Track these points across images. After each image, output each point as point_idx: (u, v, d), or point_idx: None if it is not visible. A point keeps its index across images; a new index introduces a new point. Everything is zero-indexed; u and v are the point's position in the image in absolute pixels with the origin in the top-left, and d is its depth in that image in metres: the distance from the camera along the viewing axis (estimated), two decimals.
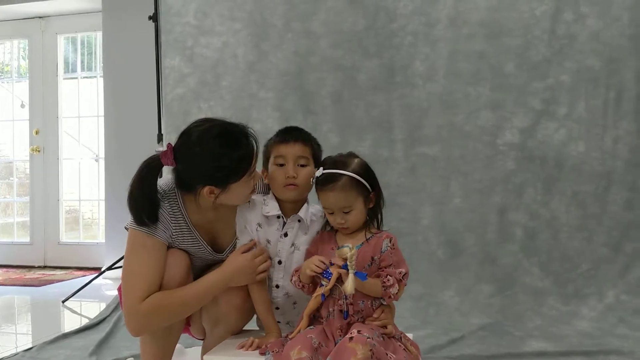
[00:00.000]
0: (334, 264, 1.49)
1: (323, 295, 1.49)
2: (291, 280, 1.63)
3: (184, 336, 2.54)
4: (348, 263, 1.44)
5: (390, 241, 1.52)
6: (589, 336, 2.51)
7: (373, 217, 1.59)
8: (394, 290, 1.47)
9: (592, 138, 2.96)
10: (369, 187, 1.55)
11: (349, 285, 1.42)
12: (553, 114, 3.01)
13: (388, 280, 1.48)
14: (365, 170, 1.56)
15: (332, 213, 1.55)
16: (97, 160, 4.95)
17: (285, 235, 1.76)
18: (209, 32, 3.45)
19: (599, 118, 2.96)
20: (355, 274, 1.44)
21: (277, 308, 1.82)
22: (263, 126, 3.30)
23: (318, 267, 1.50)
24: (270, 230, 1.77)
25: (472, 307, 2.87)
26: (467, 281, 2.96)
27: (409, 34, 3.18)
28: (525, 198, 3.01)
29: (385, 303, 1.52)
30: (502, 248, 2.99)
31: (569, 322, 2.70)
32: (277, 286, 1.78)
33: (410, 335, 1.64)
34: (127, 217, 1.70)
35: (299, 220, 1.75)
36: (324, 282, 1.50)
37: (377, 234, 1.56)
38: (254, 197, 1.81)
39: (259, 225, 1.77)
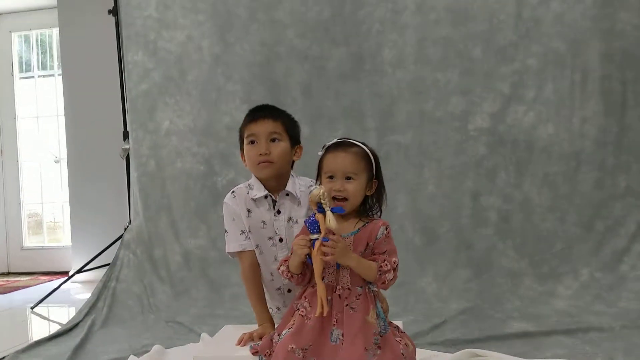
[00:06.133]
0: (315, 214, 1.47)
1: (314, 241, 1.45)
2: (279, 269, 1.60)
3: (164, 337, 2.50)
4: (322, 202, 1.44)
5: (385, 229, 1.51)
6: (567, 314, 2.54)
7: (369, 206, 1.56)
8: (389, 276, 1.45)
9: (561, 120, 3.00)
10: (374, 171, 1.54)
11: (330, 221, 1.42)
12: (521, 98, 3.03)
13: (386, 265, 1.45)
14: (376, 157, 1.56)
15: (333, 178, 1.51)
16: (57, 162, 4.80)
17: (279, 212, 1.75)
18: (171, 25, 3.37)
19: (566, 100, 3.00)
20: (332, 209, 1.45)
21: (290, 290, 1.80)
22: (232, 119, 3.26)
23: (303, 245, 1.46)
24: (262, 211, 1.76)
25: (450, 292, 2.88)
26: (444, 267, 2.97)
27: (377, 21, 3.16)
28: (498, 182, 3.03)
29: (375, 289, 1.49)
30: (477, 232, 3.01)
31: (546, 301, 2.74)
32: None
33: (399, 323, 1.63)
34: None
35: (287, 194, 1.75)
36: (313, 237, 1.47)
37: (372, 220, 1.54)
38: (236, 188, 1.82)
39: (249, 210, 1.76)
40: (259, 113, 1.80)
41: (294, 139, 1.83)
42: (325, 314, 1.42)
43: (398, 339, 1.46)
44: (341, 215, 1.50)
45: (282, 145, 1.77)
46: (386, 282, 1.46)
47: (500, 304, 2.75)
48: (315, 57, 3.21)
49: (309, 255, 1.46)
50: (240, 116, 3.18)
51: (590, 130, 2.97)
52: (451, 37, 3.10)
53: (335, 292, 1.47)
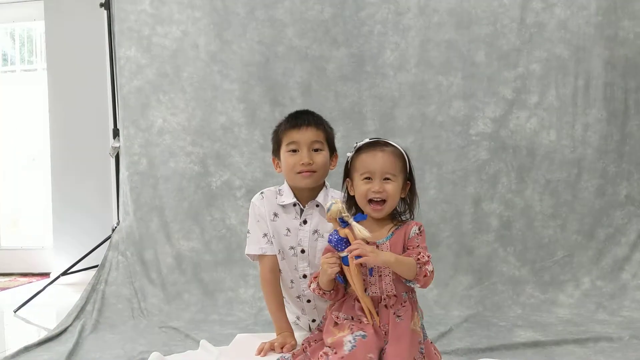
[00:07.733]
0: (338, 230, 1.42)
1: (344, 258, 1.39)
2: (309, 286, 1.54)
3: (160, 343, 2.40)
4: (344, 215, 1.39)
5: (418, 228, 1.45)
6: (572, 323, 2.52)
7: (401, 209, 1.50)
8: (430, 267, 1.39)
9: (563, 126, 2.98)
10: (408, 172, 1.48)
11: (362, 232, 1.36)
12: (524, 103, 3.01)
13: (422, 257, 1.39)
14: (409, 157, 1.50)
15: (370, 179, 1.44)
16: (34, 159, 4.64)
17: (305, 222, 1.68)
18: (167, 20, 3.26)
19: (569, 106, 2.98)
20: (354, 218, 1.40)
21: (309, 301, 1.73)
22: (228, 119, 3.18)
23: (333, 263, 1.40)
24: (288, 218, 1.70)
25: (451, 299, 2.84)
26: (444, 273, 2.92)
27: (378, 23, 3.10)
28: (499, 188, 3.00)
29: (415, 285, 1.42)
30: (478, 238, 2.97)
31: (548, 310, 2.71)
32: (305, 276, 1.70)
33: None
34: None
35: (317, 206, 1.68)
36: (342, 254, 1.41)
37: (405, 222, 1.48)
38: (265, 189, 1.75)
39: (275, 215, 1.70)
40: (301, 120, 1.71)
41: (332, 148, 1.76)
42: (378, 322, 1.37)
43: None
44: (375, 221, 1.44)
45: (324, 154, 1.72)
46: (428, 275, 1.39)
47: (503, 311, 2.72)
48: (315, 57, 3.14)
49: (339, 274, 1.41)
50: (237, 116, 3.17)
51: (592, 137, 2.96)
52: (454, 40, 3.06)
53: (380, 302, 1.40)
